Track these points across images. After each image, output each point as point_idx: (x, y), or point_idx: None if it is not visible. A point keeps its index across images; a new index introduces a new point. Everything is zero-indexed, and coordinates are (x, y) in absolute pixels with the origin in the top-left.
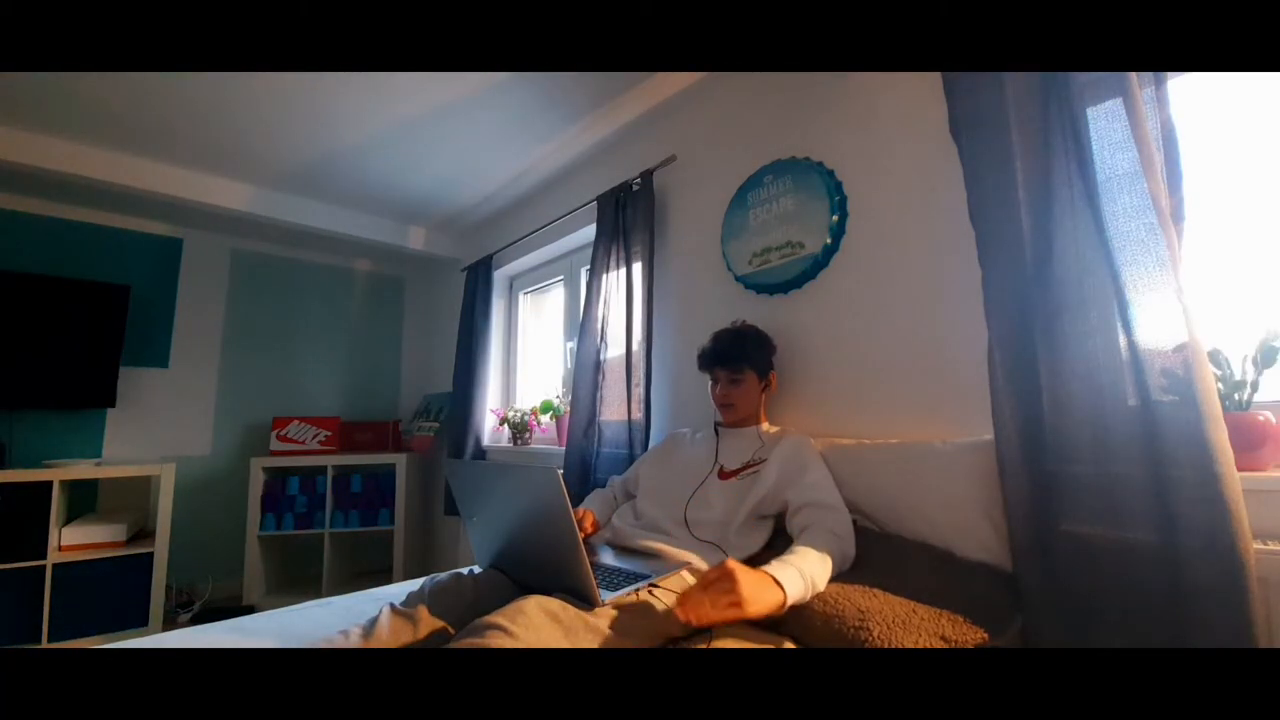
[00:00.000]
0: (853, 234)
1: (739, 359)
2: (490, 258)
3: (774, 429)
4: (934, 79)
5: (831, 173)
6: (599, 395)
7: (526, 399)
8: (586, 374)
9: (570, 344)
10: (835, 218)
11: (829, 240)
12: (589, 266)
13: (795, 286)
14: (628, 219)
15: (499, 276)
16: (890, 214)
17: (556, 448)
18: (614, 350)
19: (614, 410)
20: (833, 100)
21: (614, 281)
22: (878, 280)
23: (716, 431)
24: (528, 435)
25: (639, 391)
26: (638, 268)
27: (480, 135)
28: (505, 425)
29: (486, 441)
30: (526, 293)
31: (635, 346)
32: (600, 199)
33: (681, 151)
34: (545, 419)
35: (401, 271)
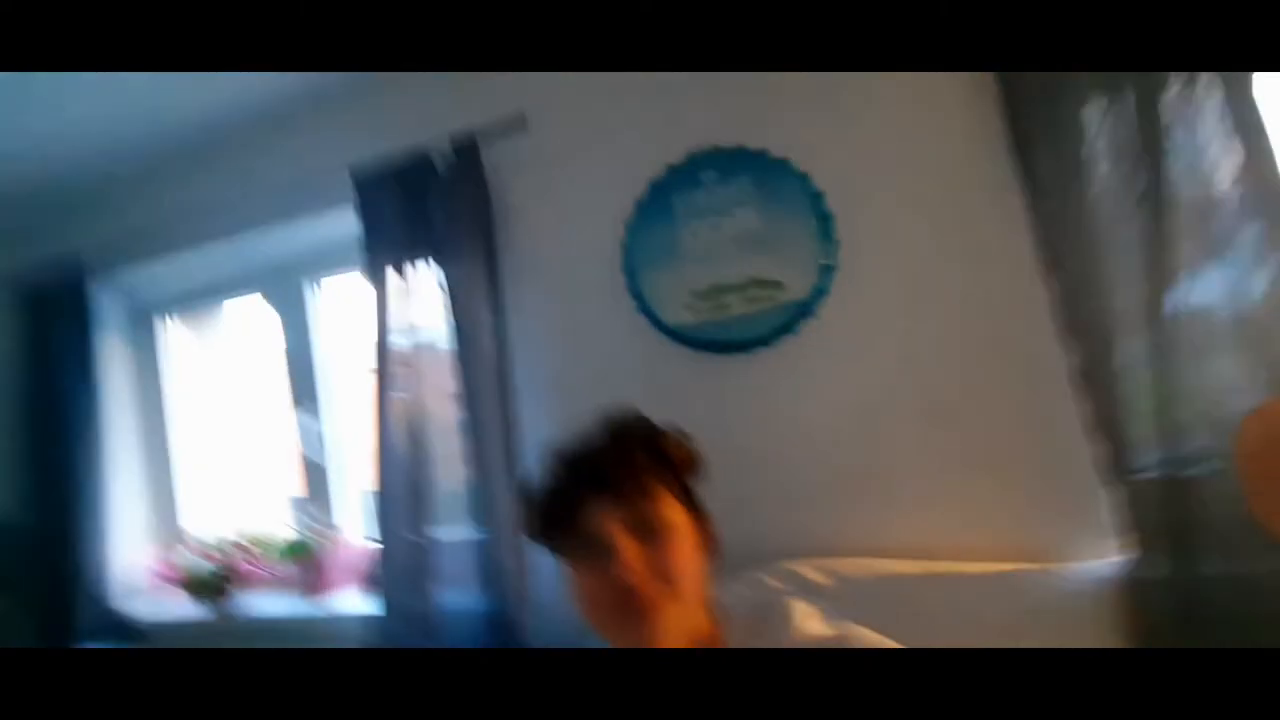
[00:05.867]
0: (846, 272)
1: (641, 470)
2: (77, 265)
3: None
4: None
5: (805, 177)
6: (425, 504)
7: (210, 526)
8: (399, 467)
9: (305, 415)
10: (824, 245)
11: (817, 280)
12: (345, 274)
13: (763, 344)
14: (432, 212)
15: (111, 299)
16: (901, 245)
17: (320, 613)
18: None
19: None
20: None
21: (415, 307)
22: (890, 335)
23: None
24: (226, 588)
25: (501, 489)
26: (471, 285)
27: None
28: (184, 587)
29: (133, 613)
30: (179, 318)
31: (479, 410)
32: (362, 179)
33: (536, 108)
34: (279, 561)
35: None
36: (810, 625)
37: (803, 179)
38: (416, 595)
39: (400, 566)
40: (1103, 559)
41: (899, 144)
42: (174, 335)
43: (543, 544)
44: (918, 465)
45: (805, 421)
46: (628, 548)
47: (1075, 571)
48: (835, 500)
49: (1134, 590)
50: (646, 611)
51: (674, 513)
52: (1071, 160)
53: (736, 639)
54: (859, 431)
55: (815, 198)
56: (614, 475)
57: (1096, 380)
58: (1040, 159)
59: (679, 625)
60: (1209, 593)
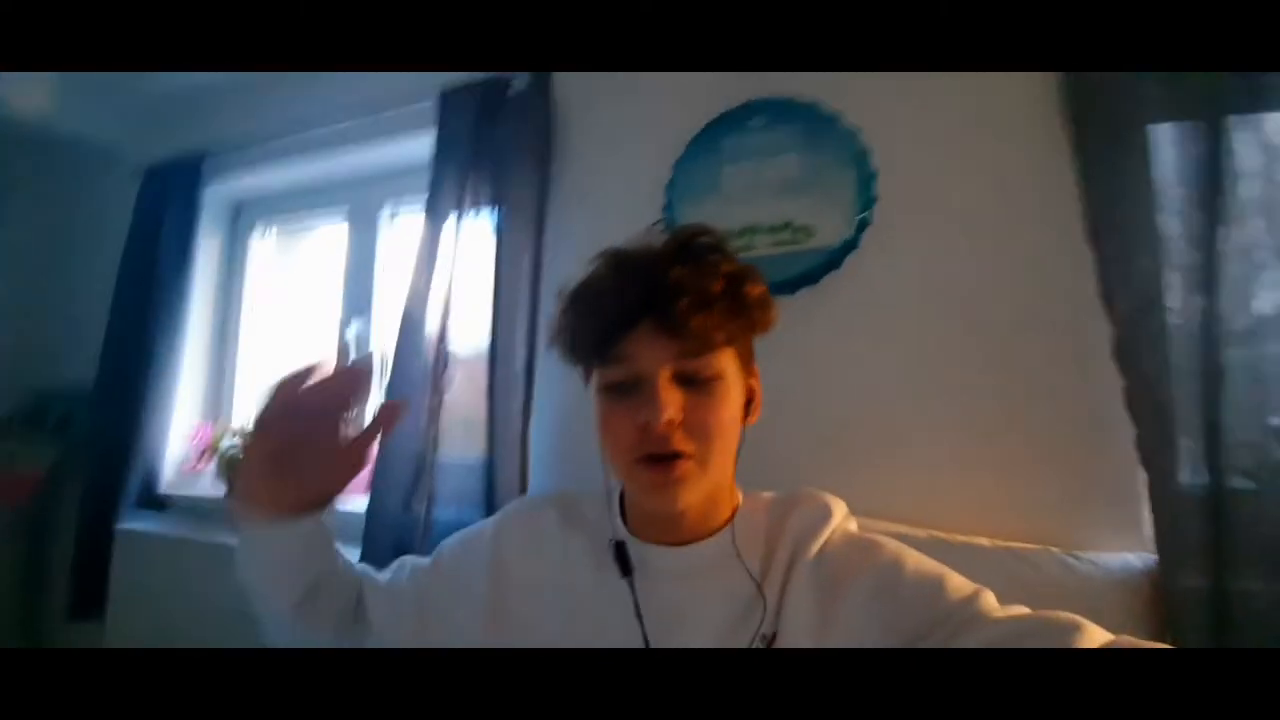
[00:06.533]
0: (881, 228)
1: (712, 305)
2: (198, 161)
3: (760, 510)
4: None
5: (853, 132)
6: (432, 429)
7: (252, 412)
8: (411, 384)
9: (355, 327)
10: (863, 199)
11: (850, 233)
12: (421, 203)
13: (786, 291)
14: (499, 136)
15: (214, 196)
16: (936, 215)
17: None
18: (464, 347)
19: (461, 443)
20: None
21: (467, 242)
22: (919, 298)
23: (621, 555)
24: None
25: (513, 428)
26: (517, 229)
27: None
28: (213, 457)
29: (167, 487)
30: (270, 228)
31: (502, 357)
32: (447, 97)
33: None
34: None
35: None
36: (849, 525)
37: (851, 133)
38: (408, 502)
39: (396, 475)
40: (1131, 552)
41: (950, 109)
42: (265, 240)
43: (570, 360)
44: (929, 433)
45: (817, 375)
46: (671, 398)
47: (1100, 561)
48: (833, 459)
49: (1166, 597)
50: (669, 472)
51: (729, 364)
52: (1132, 146)
53: (765, 516)
54: (871, 392)
55: (860, 154)
56: (680, 305)
57: (1138, 370)
58: (1097, 141)
59: (700, 490)
60: (1246, 608)
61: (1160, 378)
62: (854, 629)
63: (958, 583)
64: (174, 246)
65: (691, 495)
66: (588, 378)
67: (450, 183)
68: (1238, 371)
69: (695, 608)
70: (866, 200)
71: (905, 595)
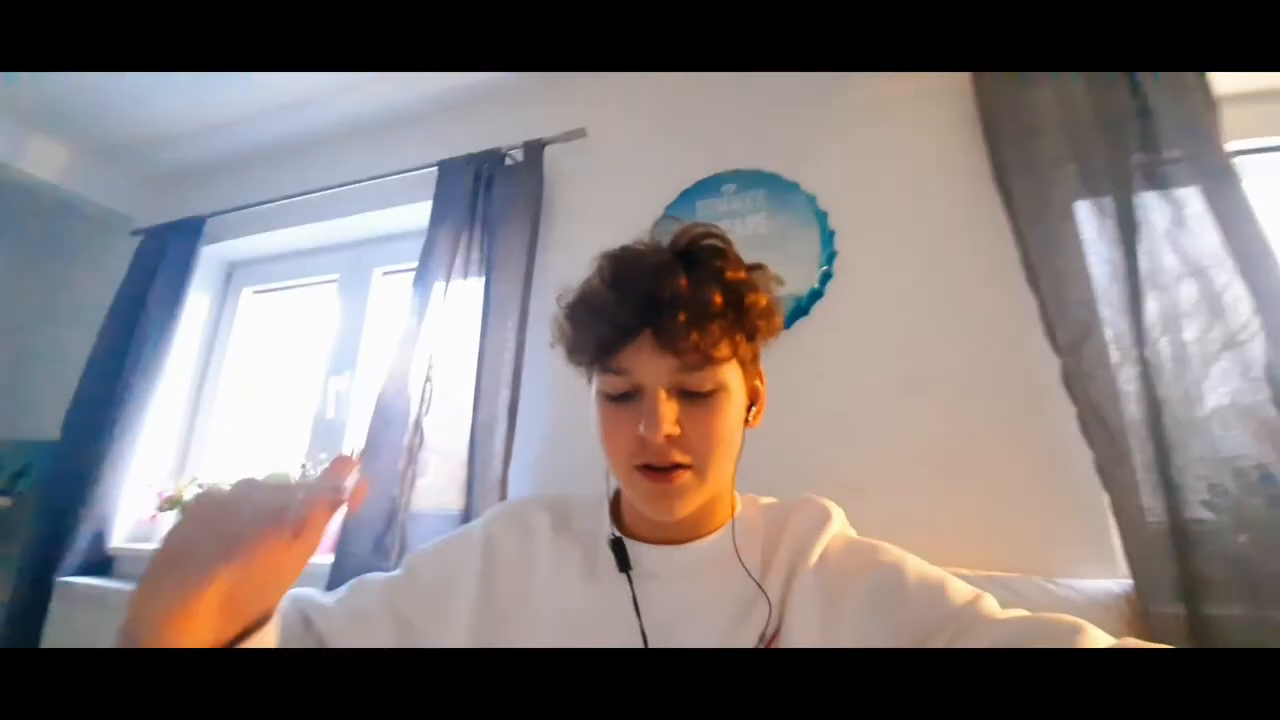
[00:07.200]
0: (841, 281)
1: (712, 319)
2: (199, 223)
3: (758, 514)
4: (950, 107)
5: (813, 198)
6: (410, 472)
7: (222, 468)
8: (390, 435)
9: (340, 379)
10: (825, 254)
11: (816, 284)
12: (413, 261)
13: None
14: (493, 205)
15: (210, 256)
16: (890, 266)
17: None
18: (445, 403)
19: (435, 495)
20: (815, 116)
21: (456, 295)
22: (881, 346)
23: (618, 550)
24: None
25: (493, 468)
26: (506, 279)
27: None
28: (175, 510)
29: (118, 540)
30: (261, 291)
31: (485, 398)
32: (445, 166)
33: (596, 127)
34: None
35: None
36: (848, 531)
37: (810, 198)
38: (376, 552)
39: (367, 521)
40: (1106, 579)
41: (898, 174)
42: (254, 301)
43: (573, 362)
44: (902, 470)
45: (796, 414)
46: (668, 412)
47: (1079, 586)
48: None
49: (1145, 622)
50: (668, 482)
51: (731, 374)
52: (1059, 201)
53: (763, 520)
54: (848, 429)
55: (820, 215)
56: (679, 320)
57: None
58: (1016, 183)
59: (699, 499)
60: (1223, 633)
61: (1106, 400)
62: (857, 632)
63: (960, 586)
64: (162, 304)
65: (690, 504)
66: (589, 379)
67: (445, 242)
68: (1179, 409)
69: (691, 607)
70: (829, 255)
71: (908, 598)
